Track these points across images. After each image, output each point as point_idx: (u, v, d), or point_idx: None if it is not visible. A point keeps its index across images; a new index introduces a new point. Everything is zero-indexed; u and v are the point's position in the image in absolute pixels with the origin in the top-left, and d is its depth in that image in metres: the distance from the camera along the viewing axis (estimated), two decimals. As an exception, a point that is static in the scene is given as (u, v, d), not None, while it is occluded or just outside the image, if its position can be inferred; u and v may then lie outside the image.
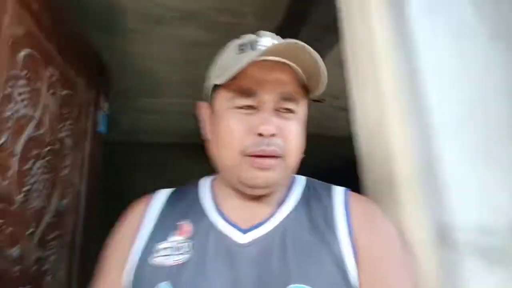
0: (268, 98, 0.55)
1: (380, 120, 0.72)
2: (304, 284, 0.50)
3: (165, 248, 0.55)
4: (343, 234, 0.56)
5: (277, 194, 0.61)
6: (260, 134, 0.53)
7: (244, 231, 0.56)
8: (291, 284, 0.50)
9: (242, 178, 0.55)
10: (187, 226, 0.58)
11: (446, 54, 0.69)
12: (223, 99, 0.57)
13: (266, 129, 0.53)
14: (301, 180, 0.66)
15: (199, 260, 0.53)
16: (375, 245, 0.55)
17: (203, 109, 0.65)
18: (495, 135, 0.65)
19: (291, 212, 0.59)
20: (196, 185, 0.67)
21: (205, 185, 0.66)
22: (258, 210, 0.59)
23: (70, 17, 1.17)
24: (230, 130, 0.55)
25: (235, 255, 0.53)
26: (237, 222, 0.58)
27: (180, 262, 0.53)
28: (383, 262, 0.54)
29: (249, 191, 0.57)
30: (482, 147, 0.63)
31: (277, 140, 0.54)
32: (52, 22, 1.03)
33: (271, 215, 0.58)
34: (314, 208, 0.60)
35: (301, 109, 0.60)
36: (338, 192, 0.63)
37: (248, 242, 0.55)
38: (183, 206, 0.62)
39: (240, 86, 0.55)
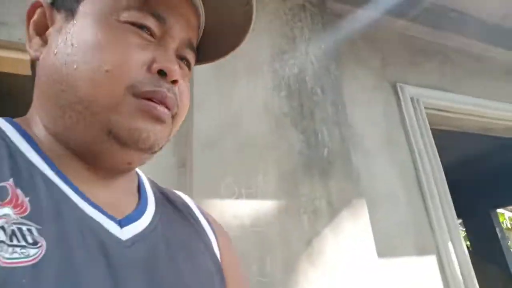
0: (177, 33, 0.39)
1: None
2: None
3: None
4: (214, 246, 0.46)
5: (132, 178, 0.44)
6: (161, 73, 0.37)
7: (120, 223, 0.36)
8: None
9: (119, 127, 0.35)
10: (19, 195, 0.30)
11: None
12: (107, 2, 0.37)
13: (173, 69, 0.37)
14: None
15: (62, 260, 0.29)
16: (232, 265, 0.48)
17: (42, 9, 0.40)
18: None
19: (157, 205, 0.43)
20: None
21: (14, 134, 0.36)
22: (121, 193, 0.40)
23: None
24: (117, 50, 0.35)
25: (117, 257, 0.33)
26: (104, 207, 0.36)
27: (31, 261, 0.27)
28: (238, 284, 0.48)
29: (118, 154, 0.36)
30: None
31: (176, 91, 0.38)
32: None
33: (141, 204, 0.41)
34: (179, 208, 0.46)
35: (191, 72, 0.45)
36: (186, 197, 0.50)
37: (130, 239, 0.35)
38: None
39: None
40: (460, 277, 1.48)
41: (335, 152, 1.39)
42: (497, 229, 4.87)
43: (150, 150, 0.37)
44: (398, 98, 1.87)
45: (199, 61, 0.46)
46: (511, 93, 2.39)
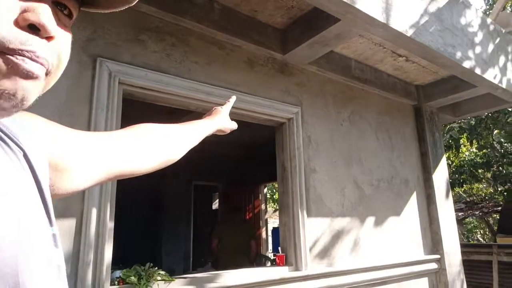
0: None
1: None
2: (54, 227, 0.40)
3: None
4: (38, 162, 0.46)
5: None
6: (33, 28, 0.32)
7: None
8: (51, 226, 0.39)
9: None
10: None
11: None
12: None
13: (47, 23, 0.32)
14: None
15: None
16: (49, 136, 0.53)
17: None
18: None
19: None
20: None
21: None
22: None
23: None
24: None
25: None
26: None
27: None
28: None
29: None
30: None
31: (53, 47, 0.35)
32: None
33: None
34: (5, 140, 0.41)
35: (73, 20, 0.41)
36: (11, 121, 0.45)
37: None
38: None
39: None
40: (93, 236, 1.69)
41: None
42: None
43: (13, 110, 0.34)
44: (94, 73, 1.96)
45: (88, 6, 0.42)
46: (246, 81, 2.75)
